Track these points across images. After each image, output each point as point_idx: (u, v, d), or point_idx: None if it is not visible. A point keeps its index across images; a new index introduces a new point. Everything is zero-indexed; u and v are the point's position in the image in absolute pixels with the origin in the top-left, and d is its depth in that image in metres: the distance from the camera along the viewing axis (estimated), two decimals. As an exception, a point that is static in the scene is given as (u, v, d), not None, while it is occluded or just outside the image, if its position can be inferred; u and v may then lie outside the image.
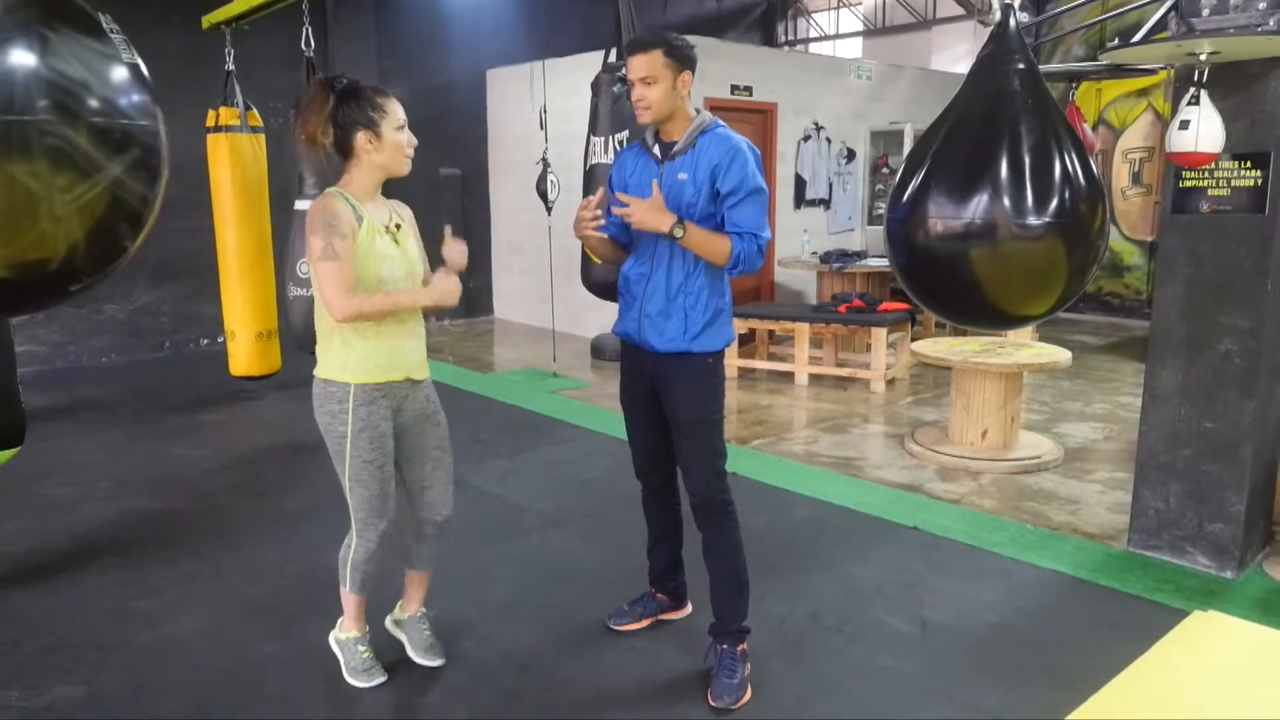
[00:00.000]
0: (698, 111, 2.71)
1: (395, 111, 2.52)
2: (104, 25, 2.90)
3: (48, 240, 2.78)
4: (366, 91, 2.51)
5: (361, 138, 2.49)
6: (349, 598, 2.76)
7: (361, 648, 2.78)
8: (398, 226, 2.60)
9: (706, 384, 2.71)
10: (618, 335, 2.86)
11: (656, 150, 2.72)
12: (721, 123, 2.73)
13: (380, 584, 2.83)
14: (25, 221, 2.69)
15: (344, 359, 2.54)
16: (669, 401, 2.74)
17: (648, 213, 2.56)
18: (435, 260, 2.65)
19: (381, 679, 2.74)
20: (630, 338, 2.80)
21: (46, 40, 2.70)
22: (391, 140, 2.52)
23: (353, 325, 2.50)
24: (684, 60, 2.62)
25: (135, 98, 2.94)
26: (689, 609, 3.12)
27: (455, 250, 2.63)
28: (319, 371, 2.59)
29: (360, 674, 2.74)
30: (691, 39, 2.68)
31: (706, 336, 2.68)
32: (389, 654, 2.87)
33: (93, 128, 2.78)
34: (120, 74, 2.91)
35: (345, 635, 2.80)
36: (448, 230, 2.66)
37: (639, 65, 2.60)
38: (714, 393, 2.73)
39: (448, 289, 2.55)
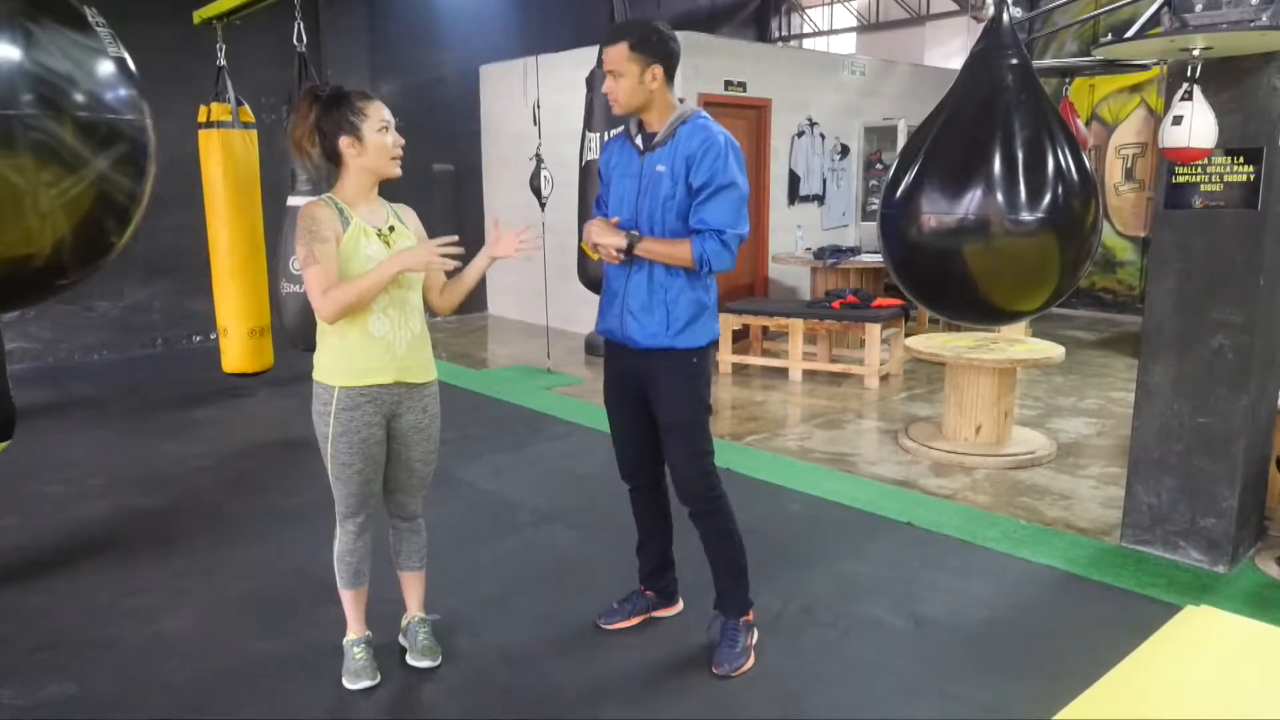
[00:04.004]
0: (681, 101, 2.69)
1: (376, 114, 2.50)
2: (90, 19, 2.87)
3: (33, 236, 2.75)
4: (349, 96, 2.50)
5: (344, 143, 2.49)
6: (343, 596, 2.76)
7: (357, 650, 2.76)
8: (391, 229, 2.57)
9: (691, 381, 2.70)
10: (600, 334, 2.85)
11: (639, 141, 2.71)
12: (704, 114, 2.69)
13: (387, 594, 2.83)
14: (10, 217, 2.66)
15: (332, 361, 2.55)
16: (654, 399, 2.73)
17: (602, 235, 2.65)
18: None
19: (369, 683, 2.70)
20: (613, 335, 2.79)
21: (31, 34, 2.67)
22: (373, 143, 2.50)
23: (341, 327, 2.49)
24: (654, 53, 2.58)
25: (121, 92, 2.91)
26: (679, 606, 3.12)
27: (502, 243, 2.64)
28: (314, 372, 2.60)
29: (349, 675, 2.73)
30: (684, 34, 2.66)
31: (690, 332, 2.67)
32: (391, 655, 2.87)
33: (78, 122, 2.76)
34: (106, 68, 2.88)
35: (346, 638, 2.80)
36: (494, 220, 2.74)
37: (607, 58, 2.61)
38: (699, 390, 2.72)
39: (410, 252, 2.47)
